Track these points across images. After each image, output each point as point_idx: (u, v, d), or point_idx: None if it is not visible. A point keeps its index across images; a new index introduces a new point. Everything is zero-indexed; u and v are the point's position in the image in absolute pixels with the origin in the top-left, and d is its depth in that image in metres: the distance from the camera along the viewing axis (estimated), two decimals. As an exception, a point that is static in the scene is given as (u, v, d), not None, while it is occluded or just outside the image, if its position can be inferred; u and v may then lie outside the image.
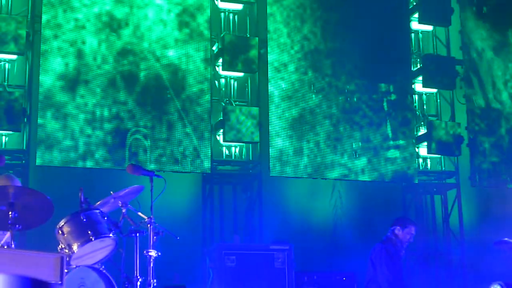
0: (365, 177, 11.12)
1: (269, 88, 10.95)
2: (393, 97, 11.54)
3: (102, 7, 10.38)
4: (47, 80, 9.94)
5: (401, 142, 11.35)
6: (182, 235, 7.72)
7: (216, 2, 11.05)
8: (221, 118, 10.63)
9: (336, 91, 11.30)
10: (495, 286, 7.86)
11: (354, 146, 11.16)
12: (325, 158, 10.98)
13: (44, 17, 10.08)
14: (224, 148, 10.88)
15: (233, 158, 10.92)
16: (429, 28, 12.20)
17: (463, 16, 12.17)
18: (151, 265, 6.60)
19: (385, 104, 11.49)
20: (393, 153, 11.25)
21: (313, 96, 11.16)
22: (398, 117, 11.49)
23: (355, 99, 11.38)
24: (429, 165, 11.97)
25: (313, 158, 10.95)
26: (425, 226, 11.26)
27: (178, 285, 9.20)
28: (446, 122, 11.63)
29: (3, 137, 9.88)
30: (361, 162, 11.12)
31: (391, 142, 11.30)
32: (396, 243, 8.19)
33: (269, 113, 10.87)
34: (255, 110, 10.76)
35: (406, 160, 11.33)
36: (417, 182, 11.40)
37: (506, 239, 8.06)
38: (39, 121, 9.84)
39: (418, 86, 11.96)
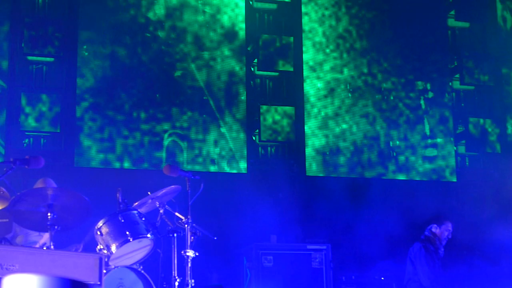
0: (402, 176, 11.03)
1: (304, 87, 10.93)
2: (430, 95, 11.44)
3: (138, 9, 10.44)
4: (84, 82, 10.03)
5: (439, 140, 11.24)
6: (219, 235, 7.72)
7: (250, 2, 11.04)
8: (257, 118, 10.62)
9: (373, 89, 11.24)
10: None
11: (391, 144, 11.08)
12: (362, 157, 10.92)
13: (81, 20, 10.17)
14: (260, 148, 10.86)
15: (269, 157, 10.90)
16: (466, 25, 12.07)
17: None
18: (189, 265, 6.61)
19: (422, 102, 11.40)
20: (431, 152, 11.16)
21: (349, 94, 11.11)
22: (435, 115, 11.38)
23: (391, 97, 11.31)
24: (467, 163, 11.83)
25: (350, 157, 10.90)
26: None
27: (216, 285, 9.20)
28: (485, 120, 11.51)
29: (42, 138, 9.98)
30: (399, 161, 11.05)
31: (429, 141, 11.21)
32: (434, 241, 8.17)
33: (305, 113, 10.84)
34: (290, 109, 10.74)
35: (444, 158, 11.22)
36: (455, 181, 11.28)
37: None
38: (77, 123, 9.93)
39: (455, 84, 11.82)
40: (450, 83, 11.75)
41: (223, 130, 10.52)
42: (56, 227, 5.96)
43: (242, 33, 10.86)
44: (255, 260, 9.03)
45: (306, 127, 10.84)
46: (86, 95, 10.05)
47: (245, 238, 9.71)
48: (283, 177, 10.79)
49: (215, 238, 7.25)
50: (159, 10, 10.57)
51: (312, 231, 10.06)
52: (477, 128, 11.42)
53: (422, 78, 11.47)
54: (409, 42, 11.46)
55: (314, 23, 11.17)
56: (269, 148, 10.88)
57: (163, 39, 10.53)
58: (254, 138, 10.73)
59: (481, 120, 11.53)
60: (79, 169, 9.91)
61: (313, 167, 10.76)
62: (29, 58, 9.96)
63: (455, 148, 11.46)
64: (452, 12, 11.89)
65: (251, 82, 10.95)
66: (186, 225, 6.66)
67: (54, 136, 9.97)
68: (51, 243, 5.95)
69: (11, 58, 9.95)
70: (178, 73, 10.54)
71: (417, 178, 11.10)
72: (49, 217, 5.92)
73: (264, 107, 10.67)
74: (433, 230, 8.18)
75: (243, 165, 10.53)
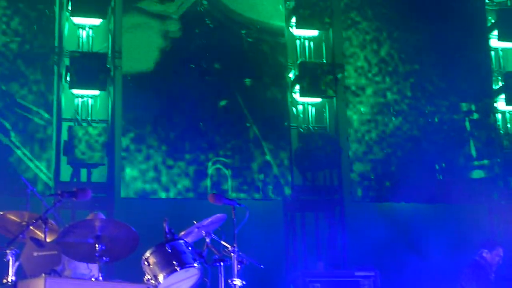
0: (449, 199, 10.90)
1: (347, 112, 10.91)
2: (475, 116, 11.32)
3: (180, 41, 10.56)
4: (129, 114, 10.15)
5: (485, 162, 11.10)
6: (266, 263, 7.68)
7: (291, 29, 11.09)
8: (301, 144, 10.62)
9: (417, 112, 11.16)
10: None
11: (436, 167, 10.98)
12: (407, 181, 10.82)
13: (124, 53, 10.32)
14: (305, 175, 10.83)
15: (314, 184, 10.86)
16: (510, 45, 11.95)
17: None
18: None
19: (467, 123, 11.28)
20: (478, 174, 11.02)
21: (393, 118, 11.05)
22: (481, 136, 11.23)
23: (436, 119, 11.21)
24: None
25: (395, 181, 10.82)
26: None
27: (264, 313, 9.14)
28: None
29: (89, 171, 10.08)
30: (445, 183, 10.92)
31: (475, 162, 11.07)
32: (485, 266, 8.05)
33: (349, 138, 10.81)
34: (333, 135, 10.72)
35: (491, 180, 11.06)
36: (503, 203, 11.10)
37: None
38: (122, 154, 10.03)
39: (500, 104, 11.68)
40: (495, 104, 11.62)
41: (267, 157, 10.53)
42: (104, 258, 5.99)
43: (283, 60, 10.91)
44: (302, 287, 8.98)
45: (350, 152, 10.80)
46: (131, 126, 10.17)
47: (292, 266, 9.67)
48: (329, 203, 10.75)
49: (262, 266, 7.21)
50: (200, 40, 10.69)
51: (360, 257, 9.97)
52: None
53: (466, 100, 11.37)
54: (452, 64, 11.39)
55: (356, 48, 11.17)
56: (314, 175, 10.84)
57: (206, 68, 10.63)
58: (298, 164, 10.71)
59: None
60: (125, 199, 10.00)
61: (358, 193, 10.70)
62: (74, 91, 10.10)
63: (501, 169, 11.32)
64: (495, 33, 11.78)
65: (294, 109, 10.96)
66: (232, 254, 6.64)
67: (100, 167, 10.08)
68: (100, 274, 6.00)
69: (57, 91, 10.12)
70: (223, 103, 10.62)
71: (463, 202, 10.96)
72: (97, 248, 5.95)
73: (308, 133, 10.66)
74: (484, 255, 8.09)
75: (288, 192, 10.51)
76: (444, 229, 10.74)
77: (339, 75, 10.98)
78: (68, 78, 9.97)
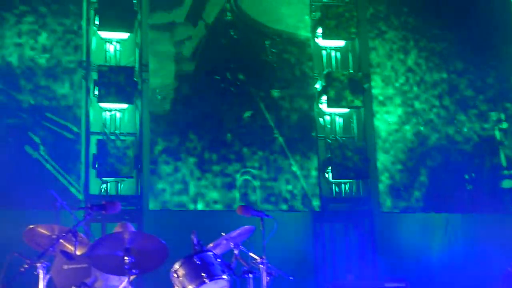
0: (479, 209, 10.79)
1: (375, 122, 10.86)
2: (504, 125, 11.22)
3: (205, 53, 10.61)
4: (156, 127, 10.22)
5: (516, 171, 11.02)
6: (295, 275, 7.66)
7: (317, 40, 11.08)
8: (329, 155, 10.58)
9: (445, 122, 11.09)
10: None
11: (466, 177, 10.88)
12: (437, 191, 10.74)
13: (151, 66, 10.38)
14: (333, 186, 10.79)
15: (343, 195, 10.81)
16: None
17: None
18: None
19: (496, 132, 11.18)
20: (508, 183, 10.90)
21: (421, 128, 10.99)
22: (511, 145, 11.12)
23: (465, 129, 11.13)
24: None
25: (425, 191, 10.74)
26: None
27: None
28: None
29: (118, 184, 10.15)
30: (475, 193, 10.82)
31: (505, 172, 10.96)
32: None
33: (377, 148, 10.76)
34: (361, 145, 10.68)
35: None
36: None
37: None
38: (151, 166, 10.07)
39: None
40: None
41: (294, 168, 10.51)
42: (133, 270, 6.02)
43: (309, 71, 10.90)
44: None
45: (378, 163, 10.74)
46: (159, 138, 10.21)
47: (322, 277, 9.61)
48: (358, 214, 10.68)
49: (291, 278, 7.19)
50: (225, 52, 10.73)
51: (389, 269, 9.88)
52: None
53: (495, 109, 11.28)
54: (481, 73, 11.31)
55: (382, 58, 11.13)
56: (342, 185, 10.80)
57: (231, 80, 10.66)
58: (326, 175, 10.67)
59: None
60: (153, 212, 10.03)
61: (387, 203, 10.64)
62: (102, 105, 10.17)
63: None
64: (524, 40, 11.72)
65: (321, 120, 10.93)
66: (261, 265, 6.64)
67: (129, 180, 10.13)
68: (130, 287, 6.03)
69: (85, 105, 10.20)
70: (248, 114, 10.62)
71: (493, 212, 10.84)
72: (126, 261, 5.98)
73: (335, 144, 10.63)
74: None
75: (316, 203, 10.47)
76: (475, 239, 10.63)
77: (366, 85, 10.93)
78: (96, 92, 10.03)
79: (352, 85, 10.74)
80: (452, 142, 10.97)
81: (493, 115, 11.16)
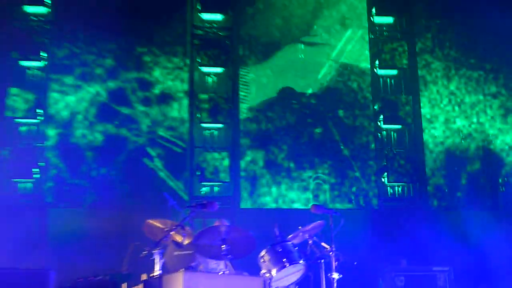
0: (510, 208, 10.53)
1: (423, 136, 10.72)
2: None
3: (283, 81, 10.71)
4: (246, 141, 10.34)
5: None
6: (358, 261, 7.60)
7: (375, 69, 11.01)
8: (385, 163, 10.48)
9: (482, 136, 10.86)
10: None
11: (500, 181, 10.61)
12: (475, 192, 10.52)
13: (241, 94, 10.54)
14: (388, 188, 10.67)
15: (396, 195, 10.68)
16: None
17: None
18: (335, 285, 6.54)
19: (522, 143, 10.97)
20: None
21: (462, 141, 10.79)
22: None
23: (498, 141, 10.87)
24: None
25: (467, 191, 10.52)
26: None
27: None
28: None
29: (216, 187, 10.21)
30: (506, 194, 10.53)
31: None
32: None
33: (425, 157, 10.60)
34: (413, 155, 10.55)
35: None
36: None
37: None
38: (241, 174, 10.20)
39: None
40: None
41: (357, 174, 10.45)
42: (229, 256, 6.06)
43: (369, 95, 10.84)
44: (389, 281, 8.80)
45: (427, 169, 10.58)
46: (248, 151, 10.31)
47: (380, 262, 9.47)
48: (409, 212, 10.51)
49: (355, 263, 7.13)
50: (299, 80, 10.79)
51: (435, 256, 9.67)
52: None
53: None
54: (509, 93, 11.09)
55: (429, 84, 10.98)
56: (396, 188, 10.68)
57: (305, 103, 10.69)
58: (383, 179, 10.57)
59: None
60: (244, 210, 10.11)
61: (434, 202, 10.47)
62: (204, 124, 10.33)
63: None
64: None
65: (379, 134, 10.84)
66: (331, 253, 6.60)
67: (224, 184, 10.22)
68: (226, 269, 6.10)
69: (190, 126, 10.37)
70: (318, 130, 10.62)
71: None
72: (223, 248, 6.04)
73: (390, 154, 10.52)
74: None
75: (375, 202, 10.38)
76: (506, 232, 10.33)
77: (416, 106, 10.80)
78: (198, 115, 10.21)
79: (404, 106, 10.64)
80: (487, 152, 10.72)
81: None
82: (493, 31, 11.06)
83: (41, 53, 10.00)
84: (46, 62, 10.04)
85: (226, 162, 10.05)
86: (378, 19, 11.12)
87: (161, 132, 10.25)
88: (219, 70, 10.59)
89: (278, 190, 10.27)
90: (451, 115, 10.88)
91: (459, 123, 10.84)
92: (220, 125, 10.41)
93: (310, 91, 10.76)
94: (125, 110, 10.24)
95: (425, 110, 10.82)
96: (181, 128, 10.37)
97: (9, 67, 9.92)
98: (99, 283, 7.14)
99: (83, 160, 9.98)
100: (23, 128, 9.89)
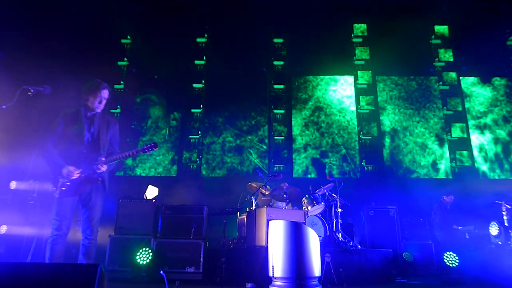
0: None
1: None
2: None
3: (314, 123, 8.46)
4: (297, 160, 8.37)
5: None
6: (351, 203, 6.66)
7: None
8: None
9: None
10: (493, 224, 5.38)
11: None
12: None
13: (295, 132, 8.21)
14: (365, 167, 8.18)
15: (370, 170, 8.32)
16: None
17: None
18: (339, 215, 6.11)
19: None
20: None
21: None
22: None
23: None
24: None
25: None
26: None
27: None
28: None
29: (281, 166, 8.27)
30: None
31: None
32: None
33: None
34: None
35: None
36: None
37: None
38: (296, 160, 8.29)
39: None
40: None
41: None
42: (287, 200, 5.87)
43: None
44: (365, 212, 6.96)
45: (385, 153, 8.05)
46: (298, 168, 8.29)
47: (362, 204, 7.38)
48: (377, 180, 8.60)
49: (349, 204, 6.52)
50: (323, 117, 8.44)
51: (389, 199, 7.35)
52: None
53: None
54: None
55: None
56: (369, 167, 8.29)
57: (335, 130, 8.41)
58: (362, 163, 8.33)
59: None
60: (295, 178, 8.23)
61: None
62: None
63: None
64: None
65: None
66: (337, 199, 6.27)
67: (281, 166, 8.27)
68: (286, 207, 5.74)
69: (268, 140, 8.38)
70: (339, 140, 8.24)
71: None
72: (284, 196, 5.79)
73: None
74: None
75: (359, 175, 7.98)
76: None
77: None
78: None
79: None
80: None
81: None
82: None
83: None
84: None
85: (285, 155, 8.44)
86: None
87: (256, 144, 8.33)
88: (282, 111, 8.70)
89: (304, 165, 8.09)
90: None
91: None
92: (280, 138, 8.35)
93: (329, 115, 8.35)
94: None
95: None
96: (266, 139, 8.50)
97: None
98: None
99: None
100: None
